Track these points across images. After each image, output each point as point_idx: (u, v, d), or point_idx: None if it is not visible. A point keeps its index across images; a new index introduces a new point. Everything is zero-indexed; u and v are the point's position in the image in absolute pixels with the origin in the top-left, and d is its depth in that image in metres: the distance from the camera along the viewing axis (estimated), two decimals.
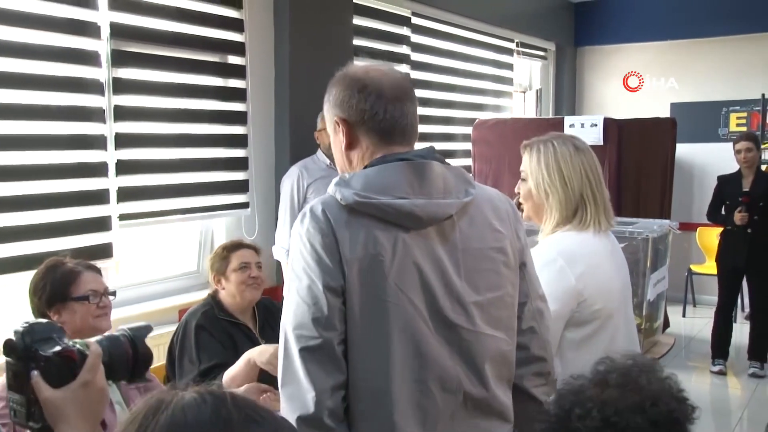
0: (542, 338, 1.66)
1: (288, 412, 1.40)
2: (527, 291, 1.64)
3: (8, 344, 1.11)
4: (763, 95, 7.00)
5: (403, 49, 5.47)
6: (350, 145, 1.56)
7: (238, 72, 4.12)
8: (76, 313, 2.14)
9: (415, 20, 5.58)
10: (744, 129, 7.24)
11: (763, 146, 6.13)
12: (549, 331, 1.69)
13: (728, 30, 7.27)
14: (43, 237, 3.15)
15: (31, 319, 1.16)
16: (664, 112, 7.42)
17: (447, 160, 1.58)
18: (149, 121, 3.66)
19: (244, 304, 2.87)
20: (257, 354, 2.40)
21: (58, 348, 1.11)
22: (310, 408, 1.38)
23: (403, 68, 5.43)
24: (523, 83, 7.60)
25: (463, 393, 1.50)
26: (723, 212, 5.59)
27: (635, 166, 5.71)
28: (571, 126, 5.59)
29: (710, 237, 6.96)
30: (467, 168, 5.97)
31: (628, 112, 6.80)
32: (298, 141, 4.27)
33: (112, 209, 3.45)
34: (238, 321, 2.83)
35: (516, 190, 2.19)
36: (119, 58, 3.46)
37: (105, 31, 3.41)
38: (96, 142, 3.39)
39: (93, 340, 1.19)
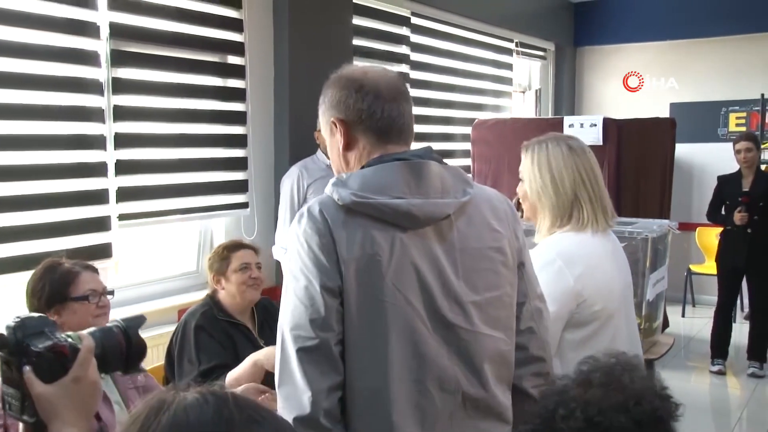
0: (541, 338, 1.66)
1: (285, 412, 1.40)
2: (526, 291, 1.64)
3: (0, 339, 1.11)
4: (763, 95, 7.00)
5: (403, 49, 5.47)
6: (348, 146, 1.56)
7: (238, 72, 4.12)
8: (75, 313, 2.14)
9: (414, 20, 5.58)
10: (743, 129, 7.25)
11: (762, 146, 6.14)
12: (548, 331, 1.69)
13: (728, 30, 7.27)
14: (43, 237, 3.15)
15: (23, 313, 1.15)
16: (664, 112, 7.42)
17: (446, 160, 1.58)
18: (149, 121, 3.66)
19: (244, 304, 2.87)
20: (264, 357, 2.40)
21: (49, 343, 1.11)
22: (306, 409, 1.38)
23: (403, 68, 5.44)
24: (523, 83, 7.60)
25: (461, 393, 1.50)
26: (723, 212, 5.59)
27: (635, 166, 5.71)
28: (571, 126, 5.58)
29: (709, 237, 6.97)
30: (466, 168, 5.97)
31: (627, 112, 6.80)
32: (297, 141, 4.27)
33: (111, 209, 3.45)
34: (237, 321, 2.83)
35: (517, 191, 2.20)
36: (119, 58, 3.46)
37: (104, 31, 3.41)
38: (95, 142, 3.39)
39: (86, 332, 1.19)
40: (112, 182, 3.45)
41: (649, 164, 5.84)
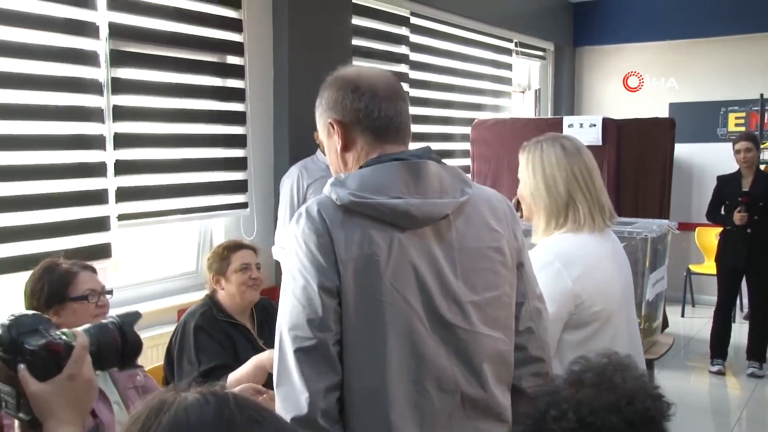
0: (540, 339, 1.65)
1: (283, 412, 1.40)
2: (525, 291, 1.64)
3: None
4: (762, 95, 7.00)
5: (402, 49, 5.47)
6: (346, 147, 1.56)
7: (237, 72, 4.11)
8: (75, 314, 2.14)
9: (414, 20, 5.58)
10: (742, 129, 7.25)
11: (762, 146, 6.14)
12: (547, 331, 1.69)
13: (728, 30, 7.27)
14: (42, 237, 3.15)
15: (18, 311, 1.15)
16: (663, 113, 7.42)
17: (446, 160, 1.58)
18: (148, 121, 3.66)
19: (243, 304, 2.87)
20: (267, 359, 2.39)
21: (43, 341, 1.11)
22: (303, 409, 1.38)
23: (402, 68, 5.44)
24: (522, 83, 7.61)
25: (460, 393, 1.49)
26: (722, 212, 5.59)
27: (634, 166, 5.71)
28: (570, 126, 5.59)
29: (709, 237, 6.97)
30: (466, 168, 5.97)
31: (627, 112, 6.80)
32: (297, 141, 4.27)
33: (110, 209, 3.45)
34: (237, 322, 2.83)
35: (517, 192, 2.20)
36: (118, 58, 3.46)
37: (104, 31, 3.40)
38: (95, 142, 3.39)
39: (80, 329, 1.19)
40: (111, 182, 3.45)
41: (648, 164, 5.84)
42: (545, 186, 2.09)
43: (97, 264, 2.59)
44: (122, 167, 3.49)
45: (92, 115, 3.38)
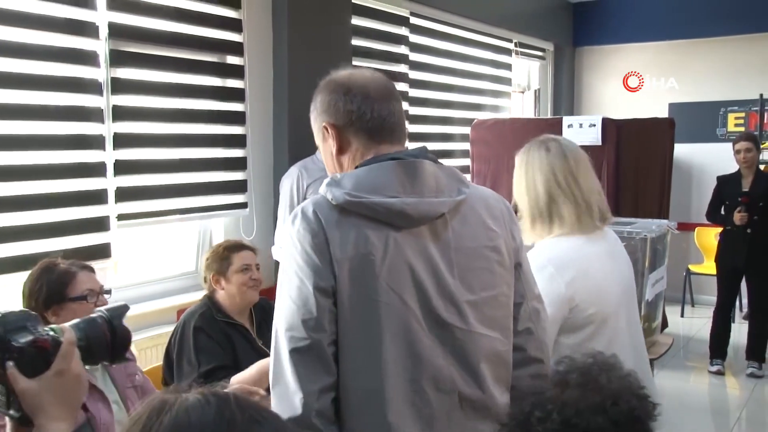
0: (539, 339, 1.65)
1: (278, 412, 1.40)
2: (523, 291, 1.63)
3: None
4: (761, 95, 7.00)
5: (402, 49, 5.47)
6: (341, 149, 1.57)
7: (237, 72, 4.11)
8: (74, 314, 2.13)
9: (413, 20, 5.58)
10: (742, 129, 7.25)
11: (762, 146, 6.14)
12: (546, 332, 1.69)
13: (727, 30, 7.27)
14: (41, 237, 3.15)
15: (5, 308, 1.15)
16: (663, 113, 7.42)
17: (445, 161, 1.59)
18: (148, 121, 3.65)
19: (243, 305, 2.87)
20: None
21: (30, 338, 1.11)
22: (297, 410, 1.39)
23: (402, 68, 5.44)
24: (522, 83, 7.60)
25: (457, 393, 1.49)
26: (722, 212, 5.59)
27: (634, 166, 5.71)
28: (570, 126, 5.59)
29: (708, 237, 6.97)
30: (465, 168, 5.97)
31: (626, 113, 6.80)
32: (296, 141, 4.27)
33: (110, 209, 3.45)
34: (236, 322, 2.83)
35: None
36: (118, 58, 3.46)
37: (103, 31, 3.40)
38: (94, 142, 3.39)
39: (69, 324, 1.19)
40: (111, 182, 3.44)
41: (648, 164, 5.84)
42: (526, 187, 2.12)
43: (96, 264, 2.59)
44: (122, 167, 3.49)
45: (92, 115, 3.38)
